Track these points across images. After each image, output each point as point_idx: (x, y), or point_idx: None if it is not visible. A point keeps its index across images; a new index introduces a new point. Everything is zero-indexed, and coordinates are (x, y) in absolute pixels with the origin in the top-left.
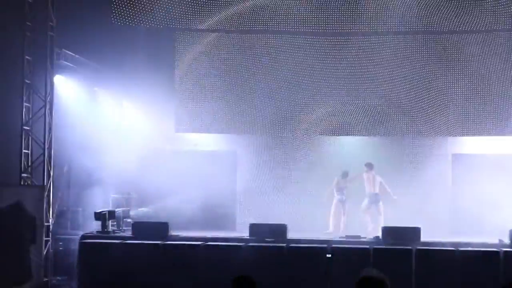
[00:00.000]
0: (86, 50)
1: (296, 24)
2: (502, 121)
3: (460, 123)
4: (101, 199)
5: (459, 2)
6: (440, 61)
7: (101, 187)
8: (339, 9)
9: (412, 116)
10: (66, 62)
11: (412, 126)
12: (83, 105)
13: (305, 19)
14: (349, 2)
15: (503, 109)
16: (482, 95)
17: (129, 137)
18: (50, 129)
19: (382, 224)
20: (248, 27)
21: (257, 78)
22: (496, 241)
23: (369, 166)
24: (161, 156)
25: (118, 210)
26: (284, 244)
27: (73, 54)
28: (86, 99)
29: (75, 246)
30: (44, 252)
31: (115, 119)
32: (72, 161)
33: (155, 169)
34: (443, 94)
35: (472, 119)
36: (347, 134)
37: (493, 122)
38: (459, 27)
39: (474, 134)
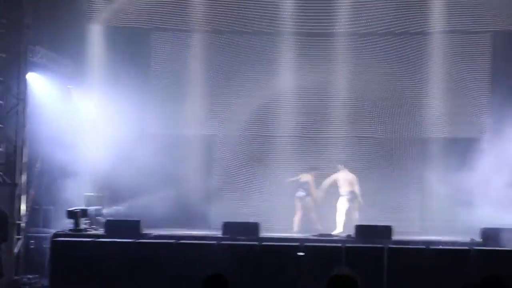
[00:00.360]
0: (60, 48)
1: (274, 24)
2: (471, 122)
3: (430, 123)
4: (73, 197)
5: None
6: (403, 62)
7: (74, 185)
8: (306, 10)
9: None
10: (40, 60)
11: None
12: (57, 102)
13: (281, 20)
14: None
15: (470, 109)
16: (450, 95)
17: (103, 135)
18: (22, 126)
19: (357, 220)
20: (225, 28)
21: (234, 78)
22: (467, 239)
23: (344, 164)
24: (135, 155)
25: (91, 208)
26: (257, 242)
27: (48, 51)
28: (60, 97)
29: (47, 244)
30: (16, 250)
31: (89, 117)
32: (45, 159)
33: (128, 167)
34: (413, 94)
35: (441, 120)
36: (319, 133)
37: (461, 123)
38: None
39: (442, 134)
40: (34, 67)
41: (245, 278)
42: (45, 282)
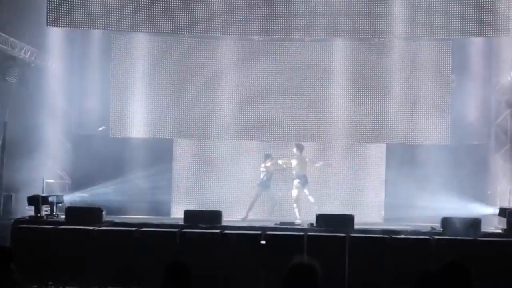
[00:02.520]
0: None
1: (237, 28)
2: (438, 130)
3: (394, 131)
4: (34, 184)
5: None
6: (365, 67)
7: (34, 172)
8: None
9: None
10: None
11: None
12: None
13: (247, 23)
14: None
15: (439, 117)
16: (416, 104)
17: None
18: None
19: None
20: (188, 31)
21: (193, 82)
22: (428, 228)
23: (300, 147)
24: (96, 142)
25: (52, 195)
26: (219, 231)
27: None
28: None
29: (7, 232)
30: None
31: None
32: (5, 146)
33: (90, 154)
34: (374, 99)
35: (406, 127)
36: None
37: (428, 131)
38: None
39: (406, 141)
40: None
41: (206, 265)
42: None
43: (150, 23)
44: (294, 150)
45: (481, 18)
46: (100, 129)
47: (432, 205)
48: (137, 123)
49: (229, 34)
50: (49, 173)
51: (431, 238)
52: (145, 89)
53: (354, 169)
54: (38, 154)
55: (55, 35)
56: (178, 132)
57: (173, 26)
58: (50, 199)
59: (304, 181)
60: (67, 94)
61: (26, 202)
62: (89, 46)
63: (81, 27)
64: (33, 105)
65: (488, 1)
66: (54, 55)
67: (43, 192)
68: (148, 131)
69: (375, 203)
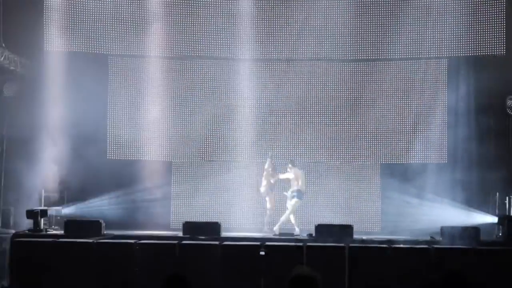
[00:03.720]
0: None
1: (230, 50)
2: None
3: (390, 150)
4: (33, 198)
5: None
6: (361, 87)
7: (33, 185)
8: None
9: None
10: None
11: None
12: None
13: (241, 45)
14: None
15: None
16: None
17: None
18: None
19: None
20: (182, 53)
21: (189, 104)
22: (427, 237)
23: (293, 163)
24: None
25: (51, 209)
26: (218, 242)
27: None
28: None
29: (6, 245)
30: None
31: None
32: (3, 159)
33: (88, 168)
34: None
35: (400, 147)
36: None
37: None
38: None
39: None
40: None
41: (206, 277)
42: (5, 283)
43: (147, 46)
44: (290, 165)
45: (477, 37)
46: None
47: (431, 214)
48: (135, 145)
49: (224, 56)
50: (47, 186)
51: (430, 247)
52: (142, 110)
53: (350, 181)
54: (36, 167)
55: (53, 55)
56: (176, 155)
57: (169, 49)
58: (49, 212)
59: (299, 196)
60: (64, 113)
61: (25, 216)
62: (86, 67)
63: (79, 50)
64: (30, 118)
65: (484, 20)
66: (51, 75)
67: (41, 206)
68: (146, 153)
69: (372, 212)
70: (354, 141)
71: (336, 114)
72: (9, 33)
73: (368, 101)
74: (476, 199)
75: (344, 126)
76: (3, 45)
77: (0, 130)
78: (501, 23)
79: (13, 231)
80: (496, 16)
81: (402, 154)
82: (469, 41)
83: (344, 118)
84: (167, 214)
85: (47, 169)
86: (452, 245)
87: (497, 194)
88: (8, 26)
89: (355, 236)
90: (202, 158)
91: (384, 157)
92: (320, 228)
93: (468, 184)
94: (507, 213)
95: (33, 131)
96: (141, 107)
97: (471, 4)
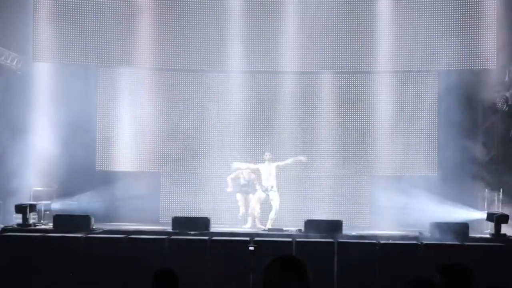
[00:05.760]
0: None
1: (223, 62)
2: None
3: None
4: (22, 192)
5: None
6: (352, 99)
7: (22, 180)
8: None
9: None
10: None
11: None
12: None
13: (232, 58)
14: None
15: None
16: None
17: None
18: None
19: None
20: (172, 66)
21: (179, 115)
22: (416, 233)
23: (270, 153)
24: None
25: (40, 203)
26: (207, 237)
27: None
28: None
29: None
30: None
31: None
32: None
33: (78, 163)
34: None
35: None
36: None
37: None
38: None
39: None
40: None
41: (195, 273)
42: None
43: (136, 58)
44: (266, 154)
45: (468, 50)
46: None
47: (420, 210)
48: (124, 156)
49: (215, 68)
50: (36, 181)
51: (419, 243)
52: (131, 122)
53: (340, 175)
54: (25, 161)
55: (42, 66)
56: (164, 166)
57: (158, 60)
58: (38, 207)
59: (268, 189)
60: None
61: (13, 210)
62: (74, 77)
63: (67, 62)
64: (19, 113)
65: (474, 34)
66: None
67: (30, 200)
68: (135, 165)
69: (361, 208)
70: (344, 154)
71: (328, 125)
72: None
73: (360, 112)
74: (464, 195)
75: (336, 136)
76: None
77: None
78: (492, 37)
79: (2, 226)
80: (487, 30)
81: (394, 165)
82: (459, 55)
83: (335, 129)
84: (156, 209)
85: (36, 164)
86: (441, 241)
87: (486, 190)
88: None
89: (344, 232)
90: (191, 168)
91: (374, 169)
92: (309, 223)
93: (457, 180)
94: (496, 209)
95: (23, 127)
96: (130, 118)
97: (462, 18)
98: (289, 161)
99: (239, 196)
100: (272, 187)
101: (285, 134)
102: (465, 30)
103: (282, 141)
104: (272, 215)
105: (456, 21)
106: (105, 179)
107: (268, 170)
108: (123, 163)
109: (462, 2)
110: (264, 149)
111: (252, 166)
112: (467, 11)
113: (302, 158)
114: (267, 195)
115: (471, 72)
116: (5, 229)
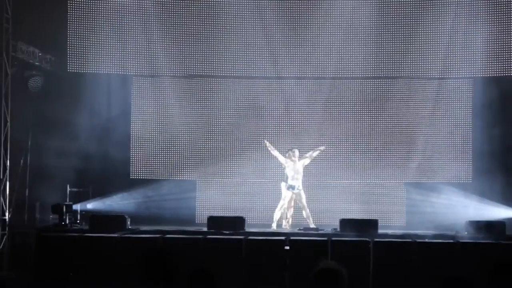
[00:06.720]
0: (41, 43)
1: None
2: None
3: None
4: (58, 192)
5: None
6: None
7: (59, 180)
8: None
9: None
10: (22, 55)
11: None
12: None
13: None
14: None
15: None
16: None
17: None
18: (6, 121)
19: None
20: (204, 72)
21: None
22: (452, 232)
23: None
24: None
25: (76, 203)
26: (242, 237)
27: (29, 46)
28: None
29: (32, 240)
30: (0, 246)
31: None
32: (30, 154)
33: (114, 163)
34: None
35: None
36: None
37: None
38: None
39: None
40: (18, 62)
41: (231, 272)
42: (31, 278)
43: (169, 66)
44: (295, 151)
45: (504, 57)
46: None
47: (456, 212)
48: (158, 165)
49: (247, 74)
50: (72, 181)
51: (456, 242)
52: (166, 130)
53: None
54: (62, 162)
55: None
56: (200, 174)
57: (191, 68)
58: (74, 207)
59: (295, 188)
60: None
61: (50, 211)
62: (109, 86)
63: (102, 71)
64: (58, 114)
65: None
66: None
67: (67, 200)
68: (169, 173)
69: (396, 208)
70: (377, 160)
71: (361, 132)
72: (35, 29)
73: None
74: (502, 196)
75: (367, 143)
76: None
77: (26, 124)
78: None
79: (39, 226)
80: None
81: (426, 172)
82: (495, 61)
83: (367, 135)
84: (192, 209)
85: (73, 164)
86: (477, 240)
87: None
88: (32, 21)
89: (380, 231)
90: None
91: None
92: (344, 222)
93: (493, 185)
94: None
95: (59, 126)
96: (165, 126)
97: (499, 24)
98: (314, 154)
99: (283, 188)
100: (298, 186)
101: (322, 138)
102: (502, 36)
103: (317, 145)
104: (305, 214)
105: (493, 27)
106: (140, 183)
107: (295, 169)
108: (157, 172)
109: (500, 8)
110: (293, 147)
111: (281, 158)
112: (504, 17)
113: (322, 147)
114: (294, 194)
115: (507, 79)
116: (42, 230)
